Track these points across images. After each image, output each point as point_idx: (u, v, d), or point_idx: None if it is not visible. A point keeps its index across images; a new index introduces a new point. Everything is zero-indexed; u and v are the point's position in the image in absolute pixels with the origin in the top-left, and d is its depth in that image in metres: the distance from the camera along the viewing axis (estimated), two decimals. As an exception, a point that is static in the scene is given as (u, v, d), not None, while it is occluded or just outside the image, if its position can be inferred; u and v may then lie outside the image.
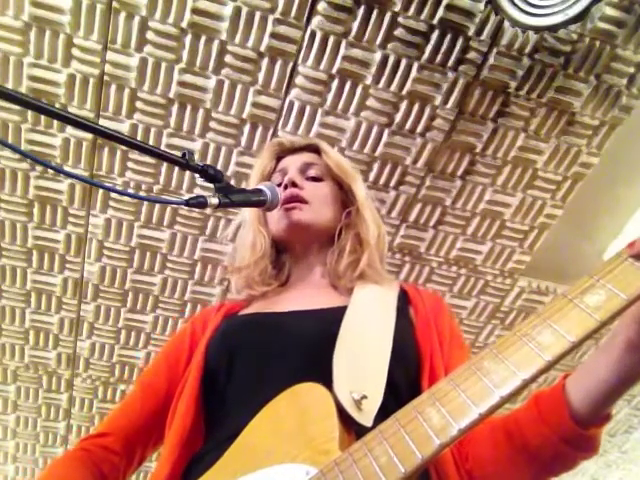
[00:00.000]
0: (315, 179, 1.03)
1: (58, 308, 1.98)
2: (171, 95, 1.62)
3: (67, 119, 0.67)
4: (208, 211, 1.80)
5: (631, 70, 1.62)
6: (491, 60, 1.60)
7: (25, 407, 2.21)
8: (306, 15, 1.52)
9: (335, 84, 1.63)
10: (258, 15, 1.51)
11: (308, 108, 1.66)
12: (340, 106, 1.66)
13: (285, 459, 0.64)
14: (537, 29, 1.40)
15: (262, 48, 1.56)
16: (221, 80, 1.60)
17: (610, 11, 1.52)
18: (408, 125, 1.70)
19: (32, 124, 1.63)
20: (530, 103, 1.68)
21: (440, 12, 1.53)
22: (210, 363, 0.85)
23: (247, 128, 1.68)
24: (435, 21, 1.54)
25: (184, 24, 1.51)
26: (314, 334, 0.81)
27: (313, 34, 1.55)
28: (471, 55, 1.60)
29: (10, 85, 1.54)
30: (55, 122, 1.64)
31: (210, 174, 0.79)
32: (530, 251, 1.97)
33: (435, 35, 1.56)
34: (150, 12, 1.49)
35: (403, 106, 1.67)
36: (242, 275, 1.00)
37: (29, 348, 2.06)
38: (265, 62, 1.58)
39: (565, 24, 1.34)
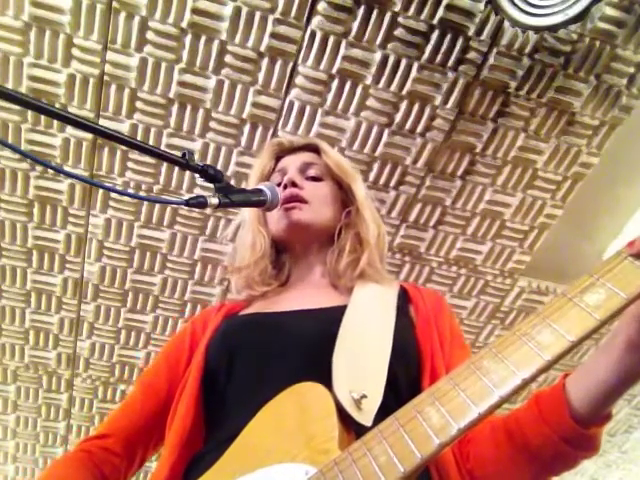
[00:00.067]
0: (315, 179, 1.03)
1: (58, 308, 1.98)
2: (171, 95, 1.62)
3: (67, 119, 0.67)
4: (208, 211, 1.80)
5: (631, 70, 1.62)
6: (491, 60, 1.60)
7: (25, 407, 2.21)
8: (306, 15, 1.52)
9: (335, 84, 1.63)
10: (258, 15, 1.51)
11: (308, 108, 1.66)
12: (340, 106, 1.66)
13: (285, 459, 0.64)
14: (537, 29, 1.40)
15: (262, 48, 1.56)
16: (221, 80, 1.60)
17: (610, 11, 1.52)
18: (408, 125, 1.70)
19: (32, 124, 1.63)
20: (530, 103, 1.68)
21: (440, 12, 1.53)
22: (210, 363, 0.85)
23: (247, 128, 1.68)
24: (435, 21, 1.54)
25: (184, 24, 1.51)
26: (314, 334, 0.81)
27: (313, 34, 1.55)
28: (471, 55, 1.60)
29: (10, 85, 1.54)
30: (55, 122, 1.64)
31: (210, 174, 0.79)
32: (530, 251, 1.97)
33: (435, 35, 1.56)
34: (150, 12, 1.49)
35: (403, 106, 1.67)
36: (242, 275, 1.00)
37: (29, 348, 2.06)
38: (265, 62, 1.58)
39: (565, 24, 1.34)
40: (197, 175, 0.78)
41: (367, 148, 1.73)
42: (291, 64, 1.59)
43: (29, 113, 1.61)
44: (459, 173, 1.79)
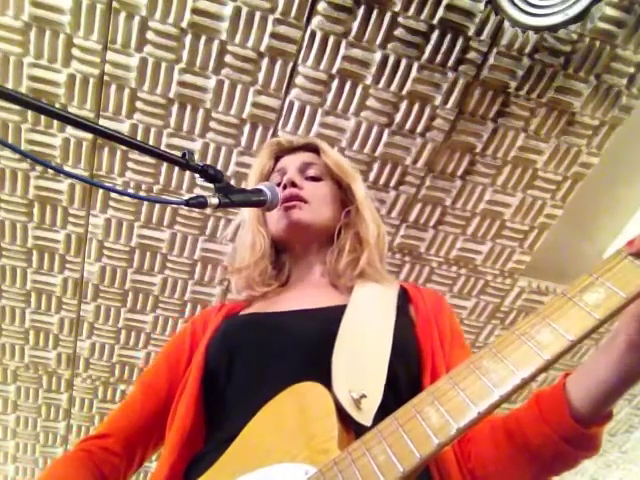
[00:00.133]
0: (314, 179, 1.03)
1: (58, 308, 1.98)
2: (171, 95, 1.62)
3: (67, 119, 0.67)
4: (208, 211, 1.80)
5: (631, 70, 1.62)
6: (491, 60, 1.60)
7: (25, 407, 2.21)
8: (306, 15, 1.52)
9: (335, 84, 1.63)
10: (258, 15, 1.51)
11: (308, 108, 1.66)
12: (340, 106, 1.66)
13: (284, 458, 0.64)
14: (537, 29, 1.40)
15: (262, 48, 1.56)
16: (221, 80, 1.60)
17: (610, 11, 1.52)
18: (408, 125, 1.70)
19: (32, 124, 1.63)
20: (530, 103, 1.68)
21: (440, 12, 1.53)
22: (210, 363, 0.85)
23: (247, 128, 1.69)
24: (435, 21, 1.54)
25: (184, 24, 1.51)
26: (314, 334, 0.81)
27: (313, 34, 1.55)
28: (471, 55, 1.60)
29: (10, 85, 1.54)
30: (55, 122, 1.64)
31: (210, 174, 0.79)
32: (530, 251, 1.97)
33: (435, 35, 1.56)
34: (150, 12, 1.49)
35: (403, 106, 1.67)
36: (242, 276, 1.00)
37: (29, 348, 2.06)
38: (265, 62, 1.58)
39: (565, 24, 1.34)
40: (197, 175, 0.78)
41: (367, 148, 1.73)
42: (291, 64, 1.59)
43: (29, 113, 1.61)
44: (459, 173, 1.79)
